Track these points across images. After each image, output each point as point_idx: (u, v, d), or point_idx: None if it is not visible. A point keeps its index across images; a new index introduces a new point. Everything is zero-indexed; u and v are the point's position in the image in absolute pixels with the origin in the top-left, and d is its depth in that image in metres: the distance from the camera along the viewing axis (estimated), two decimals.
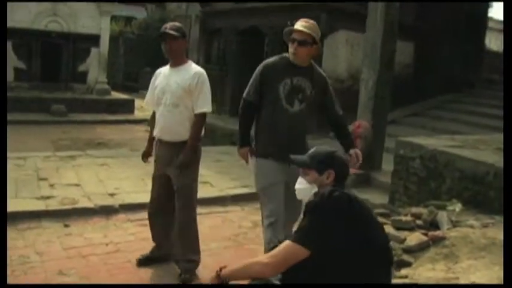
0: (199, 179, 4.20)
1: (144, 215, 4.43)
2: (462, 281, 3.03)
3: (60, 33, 13.84)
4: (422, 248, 3.66)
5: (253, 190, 6.07)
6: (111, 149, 9.75)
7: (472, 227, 3.90)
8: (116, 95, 15.70)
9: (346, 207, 2.10)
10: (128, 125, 13.53)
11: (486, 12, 14.48)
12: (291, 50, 3.67)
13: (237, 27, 13.25)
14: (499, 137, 5.15)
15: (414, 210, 4.37)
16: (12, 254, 3.68)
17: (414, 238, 3.75)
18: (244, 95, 3.85)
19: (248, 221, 5.52)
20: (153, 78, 4.15)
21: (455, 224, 4.01)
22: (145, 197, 5.61)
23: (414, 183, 5.42)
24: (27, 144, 9.09)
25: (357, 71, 9.31)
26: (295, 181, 2.49)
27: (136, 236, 4.83)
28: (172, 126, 3.94)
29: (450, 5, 12.35)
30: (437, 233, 3.81)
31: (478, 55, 13.64)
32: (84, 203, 5.47)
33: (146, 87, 4.32)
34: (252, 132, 3.90)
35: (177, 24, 4.00)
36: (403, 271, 3.34)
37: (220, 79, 12.64)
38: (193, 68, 4.00)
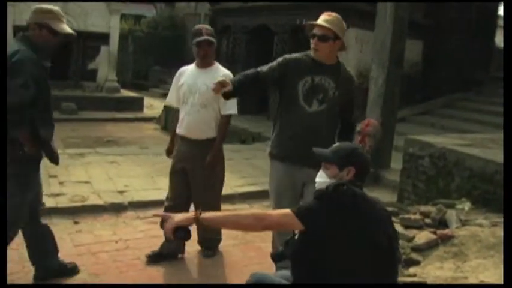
0: None
1: (154, 212, 4.44)
2: (471, 280, 3.02)
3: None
4: (431, 246, 3.65)
5: (261, 188, 6.13)
6: (121, 146, 9.80)
7: (481, 225, 3.88)
8: (126, 93, 15.79)
9: (350, 202, 2.12)
10: (137, 123, 13.61)
11: (496, 9, 14.35)
12: (312, 45, 3.45)
13: (246, 25, 13.28)
14: None
15: (423, 208, 4.35)
16: (24, 252, 3.71)
17: (423, 236, 3.74)
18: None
19: None
20: (177, 76, 4.22)
21: (464, 223, 3.99)
22: (154, 195, 5.69)
23: (423, 182, 5.40)
24: None
25: (366, 69, 9.30)
26: (313, 180, 2.47)
27: (145, 233, 4.85)
28: (199, 126, 4.05)
29: (459, 2, 12.29)
30: (446, 231, 3.80)
31: (487, 53, 13.56)
32: (93, 200, 5.51)
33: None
34: (271, 135, 3.71)
35: (210, 28, 4.07)
36: (412, 269, 3.34)
37: None
38: (222, 70, 4.09)
